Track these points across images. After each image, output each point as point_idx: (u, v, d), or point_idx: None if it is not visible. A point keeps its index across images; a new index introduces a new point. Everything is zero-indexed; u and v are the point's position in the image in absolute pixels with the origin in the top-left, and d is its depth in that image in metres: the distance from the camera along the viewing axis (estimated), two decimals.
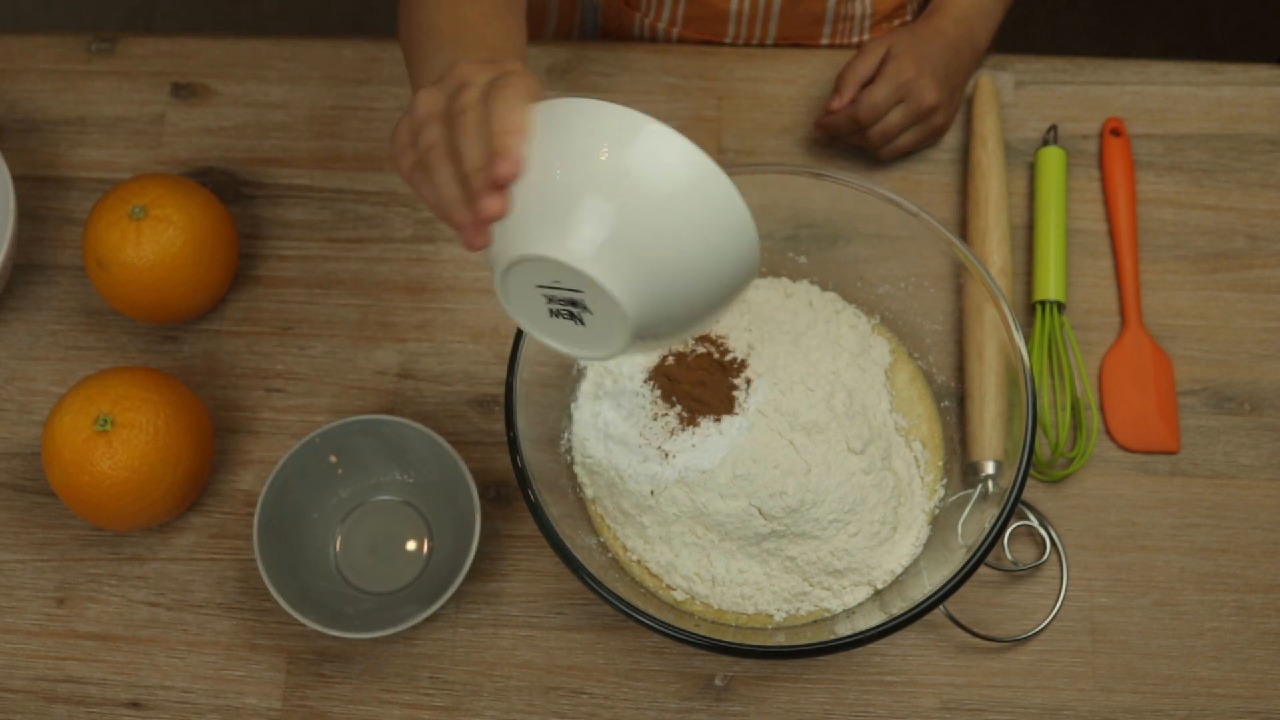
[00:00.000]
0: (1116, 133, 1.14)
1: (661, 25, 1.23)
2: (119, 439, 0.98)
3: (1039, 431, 1.04)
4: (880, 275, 1.01)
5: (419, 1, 0.94)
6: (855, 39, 1.24)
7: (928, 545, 0.96)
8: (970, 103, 1.16)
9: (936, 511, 0.97)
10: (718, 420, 0.93)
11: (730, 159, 1.16)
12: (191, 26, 2.19)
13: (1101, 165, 1.14)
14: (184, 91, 1.20)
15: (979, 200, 1.09)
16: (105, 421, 0.98)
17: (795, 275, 1.04)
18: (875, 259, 1.01)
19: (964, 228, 1.11)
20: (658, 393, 0.95)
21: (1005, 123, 1.16)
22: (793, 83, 1.18)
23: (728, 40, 1.21)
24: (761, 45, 1.21)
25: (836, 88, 1.10)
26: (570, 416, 1.00)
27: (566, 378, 1.00)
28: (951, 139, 1.15)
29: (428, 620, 0.97)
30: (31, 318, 1.13)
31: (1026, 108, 1.17)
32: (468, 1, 0.92)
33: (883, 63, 1.09)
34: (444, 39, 0.89)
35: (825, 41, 1.22)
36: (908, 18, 1.25)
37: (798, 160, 1.15)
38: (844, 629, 0.90)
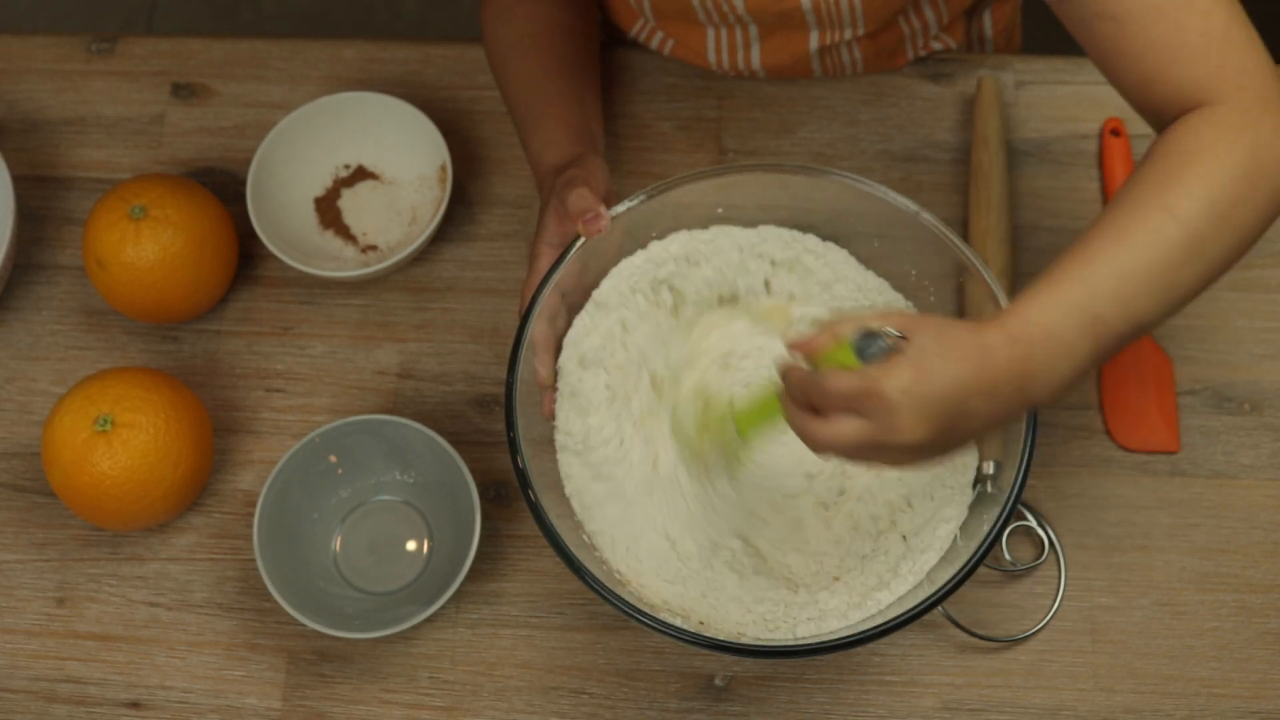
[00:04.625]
0: (1116, 133, 1.14)
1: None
2: (119, 439, 0.98)
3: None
4: (881, 275, 1.01)
5: (499, 57, 1.09)
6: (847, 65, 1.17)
7: None
8: (973, 103, 1.16)
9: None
10: None
11: (730, 159, 1.16)
12: (191, 26, 2.19)
13: (1101, 165, 1.14)
14: (184, 91, 1.20)
15: (980, 201, 1.09)
16: (105, 421, 0.98)
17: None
18: (875, 259, 1.01)
19: (965, 228, 1.11)
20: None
21: (1005, 123, 1.16)
22: (793, 83, 1.18)
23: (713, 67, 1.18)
24: (753, 78, 1.18)
25: (818, 330, 0.78)
26: None
27: None
28: (953, 139, 1.15)
29: (428, 620, 0.97)
30: (31, 318, 1.13)
31: (1026, 108, 1.17)
32: (549, 61, 1.06)
33: (888, 348, 0.75)
34: (527, 117, 1.05)
35: (819, 75, 1.17)
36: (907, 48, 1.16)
37: (798, 160, 1.15)
38: (844, 629, 0.90)
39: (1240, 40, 0.83)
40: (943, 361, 0.74)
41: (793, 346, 0.78)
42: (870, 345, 0.75)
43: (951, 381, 0.74)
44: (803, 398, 0.77)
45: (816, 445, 0.77)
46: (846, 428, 0.75)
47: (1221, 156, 0.80)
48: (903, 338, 0.75)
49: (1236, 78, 0.82)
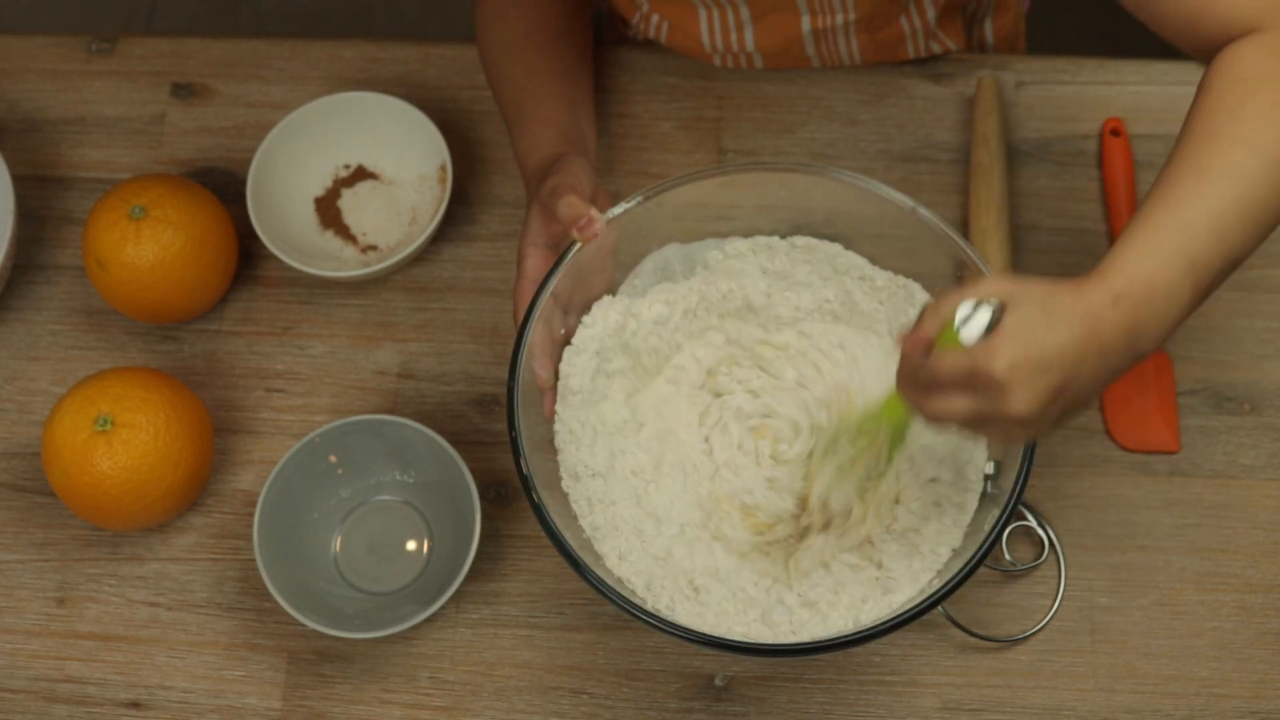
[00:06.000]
0: (1116, 133, 1.14)
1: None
2: (119, 439, 0.98)
3: None
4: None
5: (491, 59, 1.09)
6: (843, 54, 1.16)
7: None
8: (973, 103, 1.16)
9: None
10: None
11: (730, 159, 1.16)
12: (191, 26, 2.19)
13: (1101, 165, 1.14)
14: (184, 91, 1.20)
15: (981, 200, 1.09)
16: (105, 421, 0.98)
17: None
18: (875, 258, 1.00)
19: (965, 228, 1.11)
20: None
21: (1005, 123, 1.16)
22: (793, 83, 1.18)
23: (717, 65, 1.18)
24: (750, 66, 1.18)
25: (919, 318, 0.78)
26: None
27: None
28: (953, 139, 1.15)
29: (428, 620, 0.97)
30: (31, 318, 1.13)
31: (1027, 108, 1.17)
32: (538, 62, 1.06)
33: (991, 322, 0.74)
34: (515, 118, 1.05)
35: (815, 63, 1.17)
36: (903, 28, 1.15)
37: (798, 160, 1.15)
38: (844, 629, 0.90)
39: None
40: (1050, 332, 0.73)
41: (900, 343, 0.78)
42: (970, 321, 0.74)
43: (1060, 351, 0.73)
44: (914, 383, 0.77)
45: (930, 419, 0.78)
46: (959, 404, 0.75)
47: None
48: (1000, 307, 0.74)
49: None
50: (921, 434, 0.92)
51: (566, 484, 0.94)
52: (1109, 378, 0.76)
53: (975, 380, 0.73)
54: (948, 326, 0.75)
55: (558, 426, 0.95)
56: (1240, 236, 0.79)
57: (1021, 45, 1.29)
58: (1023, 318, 0.73)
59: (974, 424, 0.76)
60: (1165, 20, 0.86)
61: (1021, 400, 0.73)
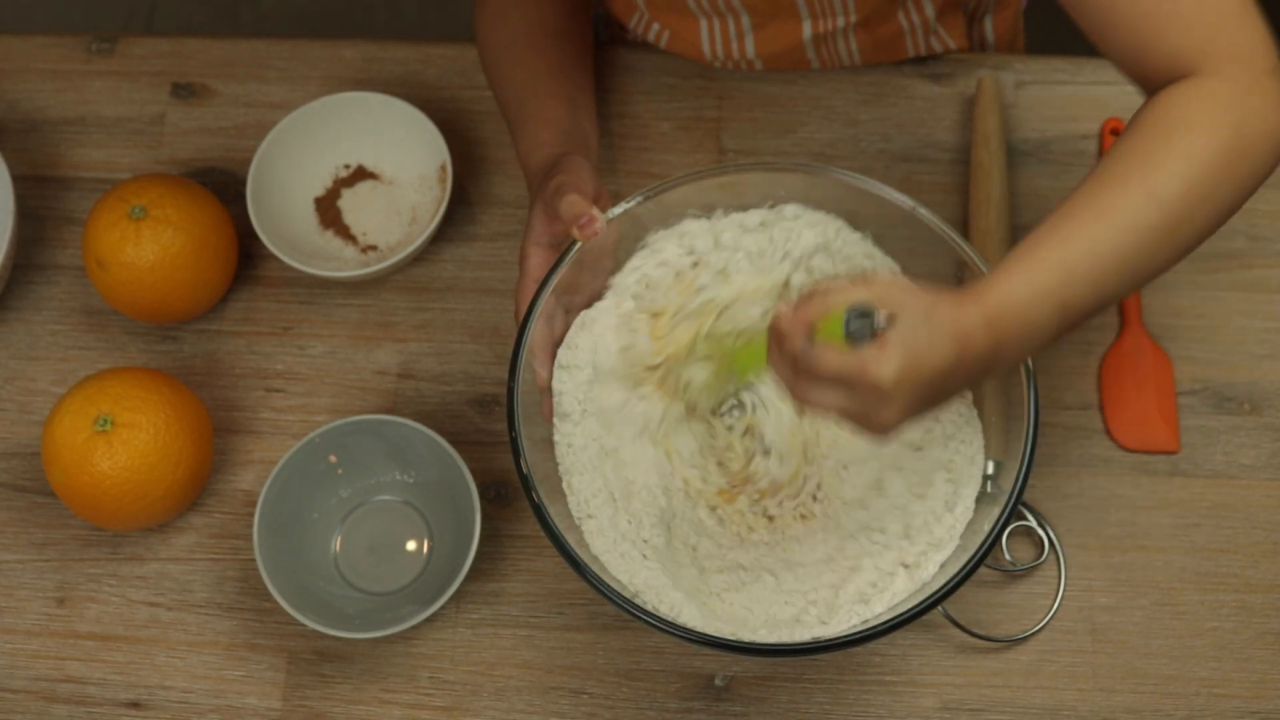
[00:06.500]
0: (1116, 133, 1.14)
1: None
2: (119, 439, 0.98)
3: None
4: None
5: (492, 59, 1.09)
6: (843, 54, 1.16)
7: None
8: (973, 103, 1.16)
9: None
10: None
11: (730, 159, 1.16)
12: (191, 26, 2.19)
13: None
14: (184, 91, 1.20)
15: (981, 201, 1.09)
16: (105, 421, 0.98)
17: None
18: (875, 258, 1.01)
19: (965, 228, 1.11)
20: None
21: (1005, 123, 1.16)
22: (793, 83, 1.18)
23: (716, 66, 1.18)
24: (750, 70, 1.18)
25: (807, 298, 0.78)
26: None
27: None
28: (953, 139, 1.15)
29: (428, 620, 0.97)
30: (31, 318, 1.13)
31: (1026, 108, 1.17)
32: (539, 62, 1.06)
33: (878, 328, 0.75)
34: (516, 119, 1.05)
35: (815, 65, 1.17)
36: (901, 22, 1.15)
37: (798, 160, 1.15)
38: (844, 629, 0.90)
39: (1234, 10, 0.83)
40: (930, 349, 0.75)
41: (782, 318, 0.79)
42: (859, 322, 0.75)
43: (937, 368, 0.75)
44: (792, 364, 0.78)
45: (801, 401, 0.79)
46: (834, 398, 0.77)
47: (1206, 133, 0.80)
48: (887, 316, 0.75)
49: (1229, 48, 0.82)
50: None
51: (566, 484, 0.94)
52: (958, 392, 0.83)
53: (858, 383, 0.75)
54: (834, 319, 0.76)
55: (556, 438, 0.95)
56: (1117, 283, 0.80)
57: (1020, 42, 1.29)
58: (909, 331, 0.75)
59: (841, 418, 0.78)
60: (1113, 45, 0.86)
61: (898, 410, 0.76)
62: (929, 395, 0.77)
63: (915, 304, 0.76)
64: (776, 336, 0.79)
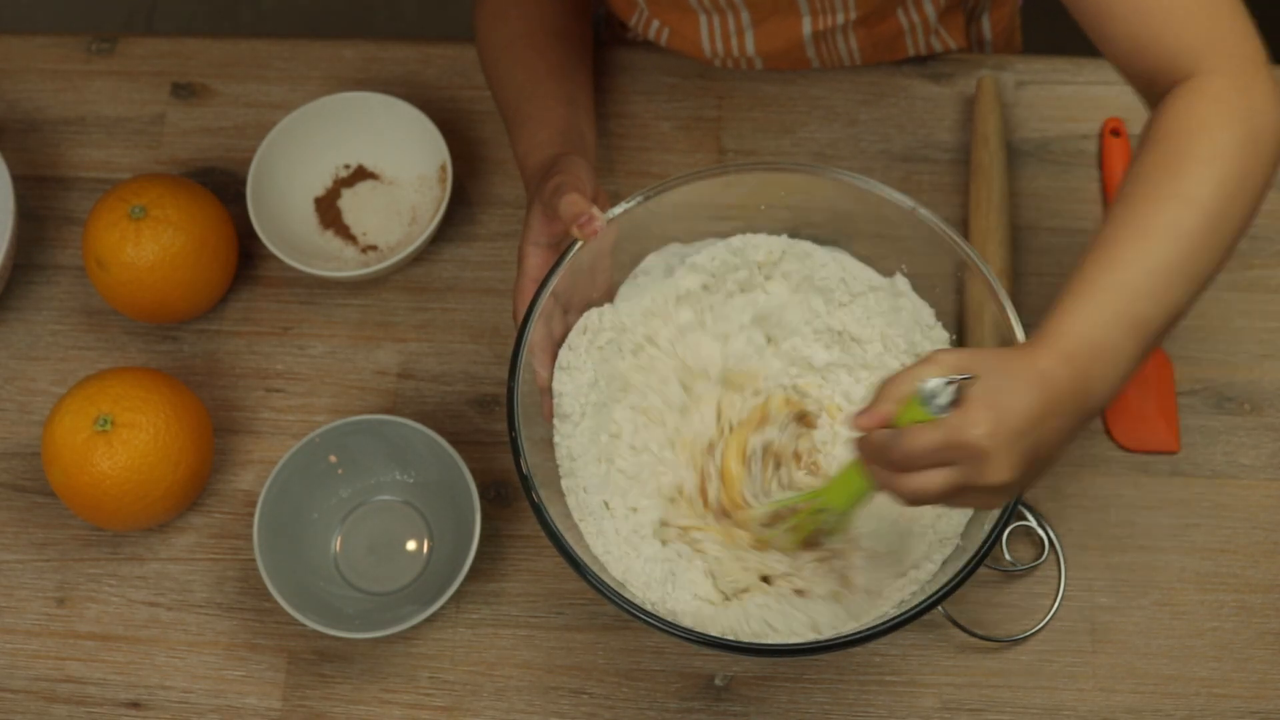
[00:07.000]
0: (1116, 133, 1.14)
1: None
2: (119, 439, 0.98)
3: None
4: (882, 275, 1.01)
5: (491, 59, 1.09)
6: (843, 54, 1.16)
7: None
8: (973, 103, 1.16)
9: None
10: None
11: (730, 159, 1.16)
12: (191, 26, 2.19)
13: (1101, 165, 1.14)
14: (184, 91, 1.20)
15: (980, 200, 1.09)
16: (105, 421, 0.98)
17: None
18: (875, 258, 1.01)
19: (965, 228, 1.11)
20: None
21: (1005, 123, 1.16)
22: (793, 83, 1.18)
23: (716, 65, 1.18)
24: (750, 69, 1.18)
25: (875, 396, 0.78)
26: None
27: None
28: (953, 139, 1.15)
29: (428, 620, 0.97)
30: (31, 318, 1.13)
31: (1027, 108, 1.17)
32: (538, 63, 1.07)
33: (956, 397, 0.74)
34: (515, 119, 1.05)
35: (815, 64, 1.17)
36: (900, 19, 1.15)
37: (798, 160, 1.15)
38: (844, 629, 0.90)
39: (1227, 7, 0.84)
40: (1014, 396, 0.74)
41: (859, 425, 0.77)
42: (938, 395, 0.74)
43: (1029, 413, 0.74)
44: (885, 462, 0.77)
45: (909, 500, 0.77)
46: (937, 478, 0.75)
47: (1222, 133, 0.81)
48: (967, 379, 0.74)
49: (1225, 44, 0.83)
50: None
51: (566, 484, 0.94)
52: (1068, 436, 0.77)
53: (955, 452, 0.74)
54: (911, 403, 0.75)
55: (556, 439, 0.95)
56: (1180, 292, 0.80)
57: (1018, 40, 1.29)
58: (989, 386, 0.74)
59: (953, 495, 0.76)
60: (1111, 41, 0.86)
61: (1004, 466, 0.74)
62: (1032, 446, 0.74)
63: (986, 362, 0.76)
64: (863, 445, 0.78)
